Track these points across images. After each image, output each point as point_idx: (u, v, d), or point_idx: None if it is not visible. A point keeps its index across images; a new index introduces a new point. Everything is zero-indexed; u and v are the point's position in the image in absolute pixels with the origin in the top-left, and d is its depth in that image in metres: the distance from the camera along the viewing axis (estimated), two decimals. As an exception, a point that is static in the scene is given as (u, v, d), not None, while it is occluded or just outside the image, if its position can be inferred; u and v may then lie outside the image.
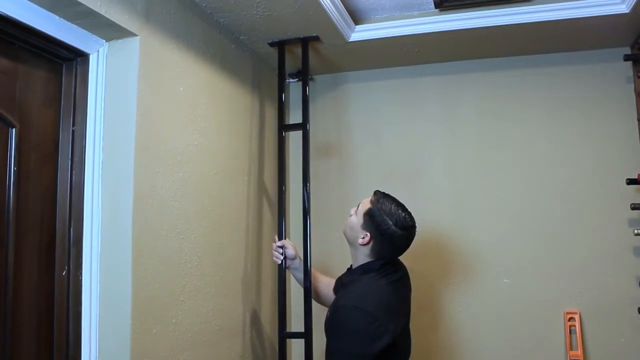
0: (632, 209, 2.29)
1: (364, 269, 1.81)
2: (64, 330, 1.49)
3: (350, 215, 1.86)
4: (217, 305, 2.00)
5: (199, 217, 1.91)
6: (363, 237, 1.78)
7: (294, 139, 2.61)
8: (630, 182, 2.27)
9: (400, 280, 1.87)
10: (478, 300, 2.52)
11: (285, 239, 2.19)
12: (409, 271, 1.93)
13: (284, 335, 2.21)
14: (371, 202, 1.82)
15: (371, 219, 1.78)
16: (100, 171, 1.56)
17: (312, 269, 2.16)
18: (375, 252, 1.80)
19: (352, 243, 1.85)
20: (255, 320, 2.32)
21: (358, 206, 1.85)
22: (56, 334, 1.48)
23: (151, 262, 1.62)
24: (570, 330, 2.38)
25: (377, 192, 1.86)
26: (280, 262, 2.12)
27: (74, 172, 1.54)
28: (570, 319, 2.38)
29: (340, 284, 1.92)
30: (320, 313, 1.85)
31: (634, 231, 2.31)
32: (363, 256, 1.82)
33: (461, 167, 2.60)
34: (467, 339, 2.52)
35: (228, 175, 2.13)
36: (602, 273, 2.38)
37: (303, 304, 2.15)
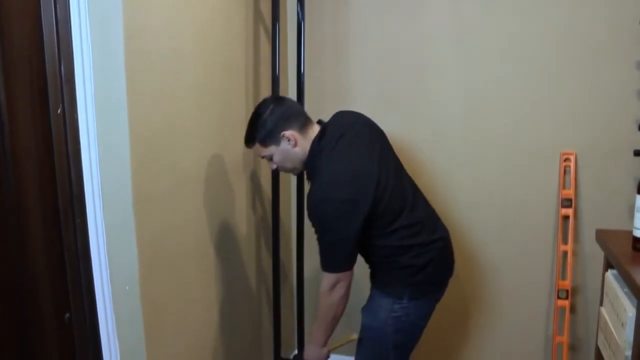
0: (642, 50, 2.22)
1: (312, 153, 1.86)
2: (65, 169, 1.50)
3: (273, 166, 1.93)
4: (218, 141, 2.03)
5: (196, 57, 1.86)
6: (288, 141, 1.84)
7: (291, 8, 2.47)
8: (644, 21, 2.18)
9: (357, 138, 1.89)
10: (476, 139, 2.54)
11: None
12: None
13: (277, 184, 2.25)
14: (254, 146, 1.90)
15: (268, 135, 1.84)
16: (87, 4, 1.46)
17: None
18: (301, 135, 1.86)
19: (297, 157, 1.88)
20: (256, 160, 2.36)
21: (264, 158, 1.92)
22: (58, 173, 1.49)
23: (147, 98, 1.59)
24: (564, 170, 2.43)
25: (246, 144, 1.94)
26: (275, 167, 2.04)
27: (57, 5, 1.45)
28: (566, 159, 2.41)
29: (308, 169, 1.94)
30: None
31: (640, 73, 2.26)
32: (304, 149, 1.87)
33: (466, 3, 2.47)
34: (465, 176, 2.59)
35: (224, 15, 2.04)
36: (603, 115, 2.37)
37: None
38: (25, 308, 1.40)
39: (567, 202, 2.42)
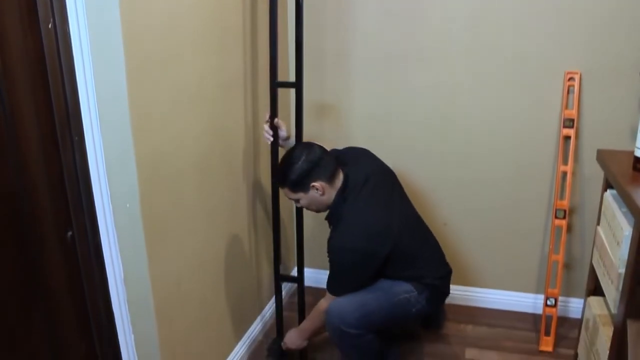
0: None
1: (336, 202, 2.01)
2: (60, 86, 1.47)
3: (300, 205, 2.08)
4: (216, 58, 1.99)
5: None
6: (317, 190, 1.97)
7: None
8: None
9: (378, 189, 2.04)
10: (479, 56, 2.48)
11: (277, 118, 2.16)
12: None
13: (275, 84, 2.19)
14: (283, 189, 2.04)
15: (298, 183, 1.97)
16: None
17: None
18: (329, 185, 1.99)
19: (323, 203, 2.03)
20: (254, 73, 2.32)
21: (294, 200, 2.06)
22: (53, 91, 1.46)
23: (142, 11, 1.53)
24: (568, 90, 2.39)
25: (275, 183, 2.13)
26: (271, 141, 2.18)
27: None
28: (570, 78, 2.37)
29: (332, 215, 2.07)
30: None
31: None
32: (330, 197, 2.01)
33: None
34: (465, 92, 2.56)
35: None
36: (610, 35, 2.30)
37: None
38: (27, 228, 1.41)
39: (569, 122, 2.40)
